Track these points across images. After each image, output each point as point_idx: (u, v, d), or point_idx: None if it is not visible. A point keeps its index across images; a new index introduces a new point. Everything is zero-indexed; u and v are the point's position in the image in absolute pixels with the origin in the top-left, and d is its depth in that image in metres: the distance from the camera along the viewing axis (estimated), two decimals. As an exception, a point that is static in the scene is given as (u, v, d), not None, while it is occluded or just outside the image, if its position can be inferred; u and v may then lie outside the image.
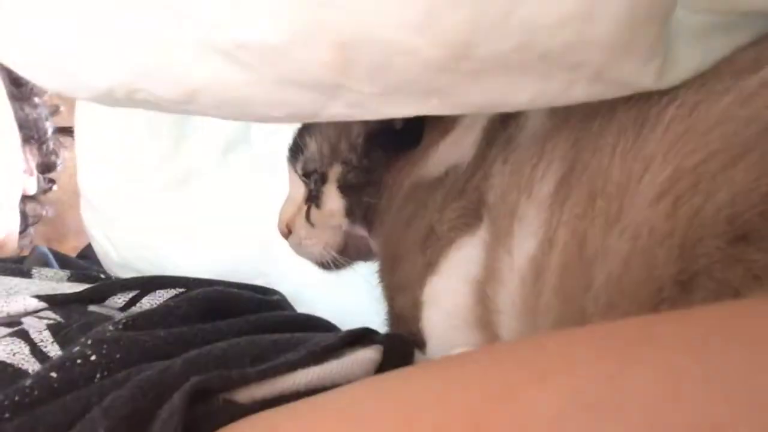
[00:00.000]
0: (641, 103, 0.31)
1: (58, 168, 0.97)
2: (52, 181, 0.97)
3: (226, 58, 0.30)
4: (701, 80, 0.29)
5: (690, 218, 0.25)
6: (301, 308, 0.59)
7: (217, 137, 0.66)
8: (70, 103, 0.84)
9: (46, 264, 0.69)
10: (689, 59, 0.28)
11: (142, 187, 0.66)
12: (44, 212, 0.96)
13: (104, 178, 0.68)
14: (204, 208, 0.66)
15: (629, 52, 0.27)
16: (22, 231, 0.89)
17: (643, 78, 0.28)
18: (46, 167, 0.94)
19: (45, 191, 0.96)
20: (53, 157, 0.95)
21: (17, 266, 0.58)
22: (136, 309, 0.48)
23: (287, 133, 0.55)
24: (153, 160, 0.66)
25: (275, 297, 0.56)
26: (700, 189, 0.26)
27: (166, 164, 0.66)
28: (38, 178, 0.92)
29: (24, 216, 0.89)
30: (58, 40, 0.33)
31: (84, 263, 0.79)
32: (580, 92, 0.29)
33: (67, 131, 0.93)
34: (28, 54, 0.35)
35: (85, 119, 0.68)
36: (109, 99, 0.34)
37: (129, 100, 0.34)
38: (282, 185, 0.55)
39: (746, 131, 0.25)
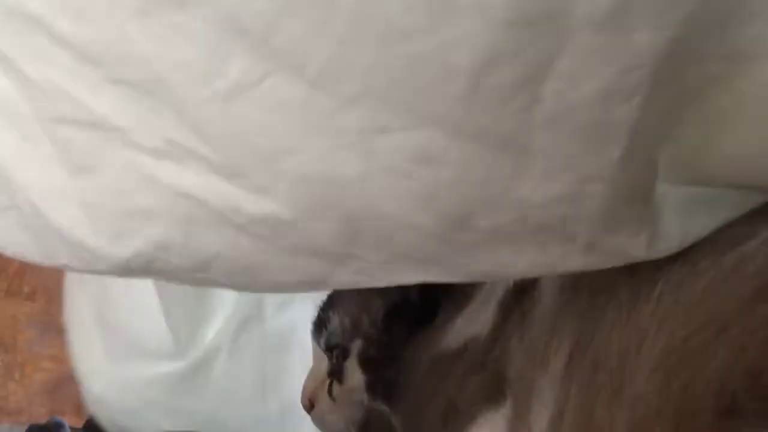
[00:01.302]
0: (637, 279, 0.32)
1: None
2: None
3: (239, 230, 0.31)
4: (686, 257, 0.30)
5: (682, 392, 0.26)
6: None
7: (232, 317, 0.67)
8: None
9: None
10: (676, 231, 0.30)
11: (155, 372, 0.67)
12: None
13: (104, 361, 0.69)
14: (221, 390, 0.66)
15: (617, 227, 0.28)
16: None
17: (634, 249, 0.29)
18: None
19: None
20: None
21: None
22: None
23: (300, 309, 0.56)
24: (166, 345, 0.66)
25: None
26: (689, 363, 0.26)
27: (182, 348, 0.66)
28: None
29: None
30: (79, 219, 0.34)
31: None
32: (575, 262, 0.30)
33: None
34: (44, 236, 0.36)
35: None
36: (125, 270, 0.35)
37: (144, 271, 0.35)
38: (295, 360, 0.56)
39: (727, 306, 0.27)
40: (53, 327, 1.16)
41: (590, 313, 0.35)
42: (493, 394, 0.42)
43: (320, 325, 0.55)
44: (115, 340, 0.69)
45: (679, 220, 0.30)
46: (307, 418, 0.54)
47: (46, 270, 1.19)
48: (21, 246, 0.37)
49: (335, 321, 0.53)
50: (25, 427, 0.55)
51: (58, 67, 0.31)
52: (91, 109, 0.32)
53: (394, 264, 0.32)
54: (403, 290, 0.51)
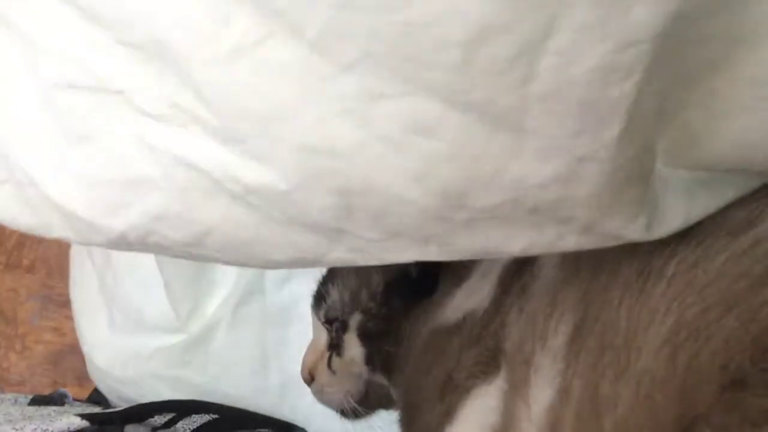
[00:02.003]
0: (644, 258, 0.32)
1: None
2: None
3: (235, 200, 0.31)
4: (699, 238, 0.30)
5: (687, 364, 0.26)
6: None
7: (233, 291, 0.67)
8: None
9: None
10: (676, 213, 0.29)
11: (158, 345, 0.68)
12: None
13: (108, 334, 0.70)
14: (221, 363, 0.67)
15: (614, 210, 0.28)
16: None
17: (632, 232, 0.29)
18: None
19: None
20: None
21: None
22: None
23: (301, 282, 0.56)
24: (168, 318, 0.67)
25: None
26: (696, 337, 0.26)
27: (184, 322, 0.67)
28: None
29: None
30: (75, 190, 0.34)
31: None
32: (571, 242, 0.30)
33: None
34: (40, 206, 0.35)
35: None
36: (122, 243, 0.35)
37: (141, 243, 0.35)
38: (295, 333, 0.56)
39: (738, 285, 0.27)
40: (53, 299, 1.17)
41: (594, 291, 0.35)
42: (489, 367, 0.42)
43: (320, 298, 0.55)
44: (119, 312, 0.70)
45: (680, 203, 0.29)
46: (307, 391, 0.55)
47: (45, 242, 1.20)
48: (17, 217, 0.37)
49: (335, 294, 0.53)
50: (29, 398, 0.56)
51: (64, 29, 0.31)
52: (95, 71, 0.32)
53: (388, 242, 0.32)
54: (402, 264, 0.51)
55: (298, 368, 0.55)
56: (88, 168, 0.33)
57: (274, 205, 0.31)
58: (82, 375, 0.89)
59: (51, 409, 0.51)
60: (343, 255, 0.33)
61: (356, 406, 0.52)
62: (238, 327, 0.67)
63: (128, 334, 0.69)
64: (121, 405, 0.70)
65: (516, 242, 0.30)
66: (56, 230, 0.36)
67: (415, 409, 0.47)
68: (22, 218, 0.37)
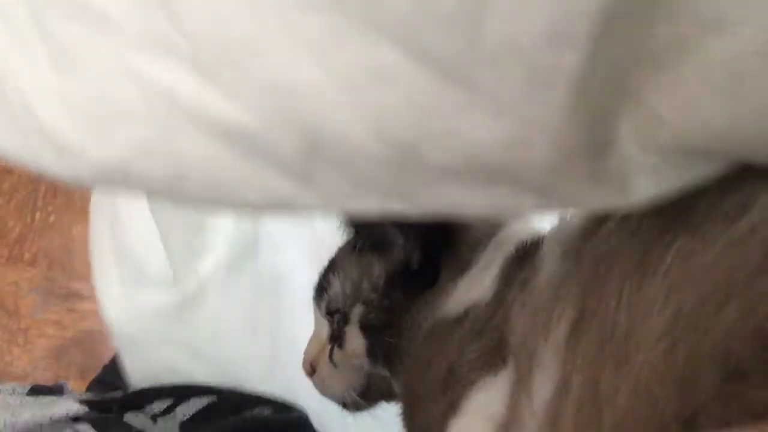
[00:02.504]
0: (645, 248, 0.32)
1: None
2: None
3: (213, 137, 0.31)
4: (696, 225, 0.30)
5: (687, 356, 0.26)
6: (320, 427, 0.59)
7: (226, 253, 0.68)
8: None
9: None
10: (646, 188, 0.29)
11: (156, 301, 0.69)
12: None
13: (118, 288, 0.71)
14: (213, 324, 0.68)
15: (569, 179, 0.28)
16: None
17: (591, 200, 0.29)
18: None
19: None
20: None
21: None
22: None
23: (293, 252, 0.56)
24: (166, 275, 0.68)
25: (296, 414, 0.56)
26: (695, 329, 0.26)
27: (179, 280, 0.68)
28: None
29: None
30: (62, 115, 0.34)
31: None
32: (529, 205, 0.30)
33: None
34: (31, 131, 0.36)
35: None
36: (107, 177, 0.35)
37: (125, 177, 0.35)
38: (287, 303, 0.57)
39: (736, 274, 0.26)
40: (55, 293, 1.17)
41: (594, 283, 0.35)
42: (494, 359, 0.42)
43: (321, 289, 0.55)
44: (127, 267, 0.70)
45: (650, 181, 0.29)
46: (297, 361, 0.55)
47: (47, 236, 1.20)
48: (7, 143, 0.37)
49: (336, 286, 0.53)
50: (28, 388, 0.56)
51: None
52: None
53: (355, 189, 0.32)
54: (404, 256, 0.51)
55: (290, 337, 0.56)
56: (74, 94, 0.33)
57: (246, 144, 0.31)
58: (84, 368, 0.90)
59: (49, 398, 0.51)
60: (315, 201, 0.33)
61: (357, 398, 0.52)
62: (229, 291, 0.67)
63: (134, 289, 0.70)
64: (129, 369, 0.71)
65: (474, 202, 0.30)
66: (46, 159, 0.36)
67: (417, 402, 0.47)
68: (12, 143, 0.37)
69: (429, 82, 0.26)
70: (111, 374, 0.83)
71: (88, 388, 0.77)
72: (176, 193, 0.36)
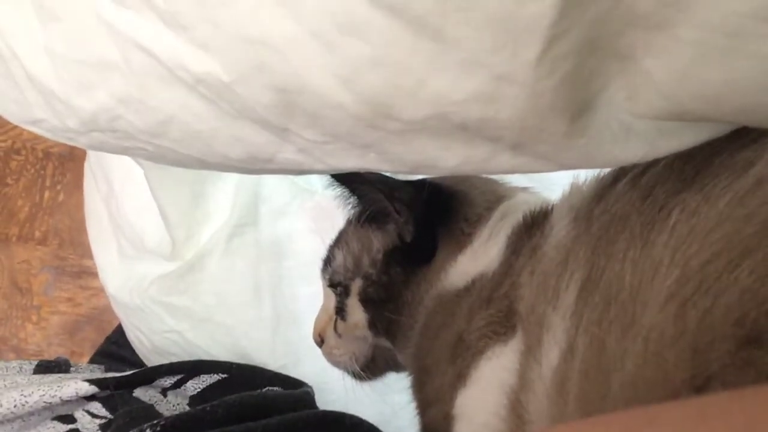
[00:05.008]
0: (652, 208, 0.31)
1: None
2: None
3: (189, 90, 0.31)
4: (701, 182, 0.29)
5: (699, 321, 0.25)
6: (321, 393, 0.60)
7: (226, 222, 0.68)
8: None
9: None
10: (637, 151, 0.28)
11: (156, 271, 0.69)
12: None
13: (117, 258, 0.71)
14: (214, 292, 0.68)
15: (544, 137, 0.27)
16: None
17: (570, 162, 0.29)
18: None
19: None
20: None
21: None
22: (180, 397, 0.49)
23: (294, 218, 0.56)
24: (165, 245, 0.68)
25: (303, 390, 0.57)
26: (706, 291, 0.25)
27: (179, 249, 0.68)
28: None
29: None
30: (49, 67, 0.35)
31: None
32: (505, 161, 0.29)
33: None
34: (22, 82, 0.37)
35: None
36: (92, 127, 0.36)
37: (111, 130, 0.36)
38: (288, 269, 0.56)
39: (746, 230, 0.25)
40: (66, 270, 1.18)
41: (603, 246, 0.34)
42: (503, 328, 0.41)
43: (327, 262, 0.55)
44: (125, 240, 0.71)
45: (638, 144, 0.28)
46: (298, 326, 0.56)
47: (57, 214, 1.21)
48: (8, 105, 0.39)
49: (339, 258, 0.53)
50: (34, 364, 0.57)
51: None
52: None
53: (330, 145, 0.32)
54: (397, 230, 0.50)
55: (291, 302, 0.56)
56: (59, 47, 0.34)
57: (222, 97, 0.31)
58: (98, 344, 0.90)
59: (56, 376, 0.52)
60: (292, 156, 0.33)
61: (359, 370, 0.52)
62: (231, 258, 0.68)
63: (132, 260, 0.71)
64: (132, 339, 0.72)
65: (450, 157, 0.30)
66: (37, 110, 0.38)
67: (426, 373, 0.46)
68: (6, 96, 0.38)
69: (398, 35, 0.26)
70: (115, 345, 0.84)
71: (92, 360, 0.78)
72: (159, 147, 0.36)
